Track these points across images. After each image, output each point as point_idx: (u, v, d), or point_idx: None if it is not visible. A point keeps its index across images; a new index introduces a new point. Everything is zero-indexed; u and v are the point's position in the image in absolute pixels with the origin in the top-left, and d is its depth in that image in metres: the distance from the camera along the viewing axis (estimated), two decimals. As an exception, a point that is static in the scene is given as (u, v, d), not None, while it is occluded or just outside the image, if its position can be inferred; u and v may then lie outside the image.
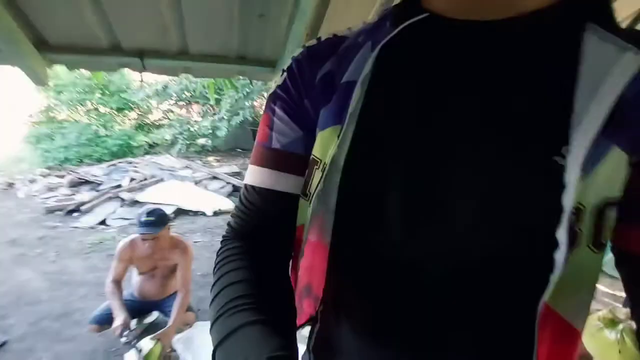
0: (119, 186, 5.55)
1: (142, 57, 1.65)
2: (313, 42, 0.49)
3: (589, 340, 1.02)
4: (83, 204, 4.98)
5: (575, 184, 0.33)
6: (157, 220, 2.06)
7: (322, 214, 0.43)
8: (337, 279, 0.48)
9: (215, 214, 5.21)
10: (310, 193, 0.45)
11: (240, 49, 1.74)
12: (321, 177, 0.43)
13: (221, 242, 0.52)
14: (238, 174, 7.24)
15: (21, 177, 6.39)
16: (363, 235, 0.44)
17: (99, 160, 7.59)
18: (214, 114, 8.38)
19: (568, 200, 0.33)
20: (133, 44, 1.59)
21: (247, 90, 7.84)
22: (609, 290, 1.63)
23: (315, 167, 0.45)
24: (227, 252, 0.49)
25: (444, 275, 0.41)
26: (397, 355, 0.45)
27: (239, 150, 9.32)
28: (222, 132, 8.00)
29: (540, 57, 0.38)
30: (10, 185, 6.13)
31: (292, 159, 0.48)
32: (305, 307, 0.51)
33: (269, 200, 0.49)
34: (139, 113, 9.38)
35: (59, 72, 8.18)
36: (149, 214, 2.06)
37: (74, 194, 5.36)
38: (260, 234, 0.50)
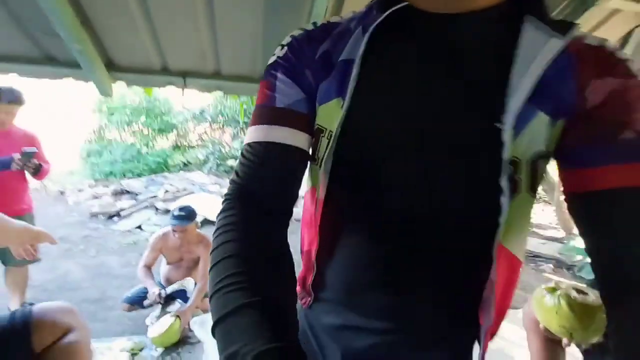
0: (154, 197, 6.06)
1: (185, 77, 2.04)
2: (310, 26, 0.54)
3: (536, 307, 1.17)
4: (122, 210, 5.50)
5: (509, 142, 0.41)
6: (187, 215, 2.39)
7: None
8: (331, 230, 0.54)
9: (238, 226, 5.54)
10: (318, 158, 0.51)
11: (263, 70, 2.09)
12: (328, 143, 0.48)
13: (223, 202, 0.51)
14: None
15: (72, 187, 7.13)
16: (357, 190, 0.51)
17: (139, 175, 8.30)
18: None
19: (505, 155, 0.41)
20: (178, 66, 1.98)
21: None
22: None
23: (322, 135, 0.50)
24: (228, 218, 0.48)
25: (420, 219, 0.49)
26: (377, 288, 0.53)
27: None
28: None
29: (489, 43, 0.45)
30: (62, 193, 6.84)
31: (297, 117, 0.51)
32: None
33: (276, 153, 0.50)
34: (178, 134, 10.19)
35: (114, 93, 9.20)
36: (181, 209, 2.41)
37: (115, 202, 5.92)
38: (263, 190, 0.50)
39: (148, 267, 2.48)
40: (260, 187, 0.50)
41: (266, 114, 0.51)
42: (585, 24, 1.89)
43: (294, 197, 0.54)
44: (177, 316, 2.15)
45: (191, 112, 9.81)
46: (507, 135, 0.41)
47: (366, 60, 0.47)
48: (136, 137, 9.56)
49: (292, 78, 0.51)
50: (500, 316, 0.52)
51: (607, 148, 0.40)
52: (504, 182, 0.42)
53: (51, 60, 1.84)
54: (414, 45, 0.47)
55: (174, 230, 2.39)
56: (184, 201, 6.06)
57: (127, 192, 6.53)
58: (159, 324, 2.10)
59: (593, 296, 1.08)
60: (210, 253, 0.46)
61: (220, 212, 0.50)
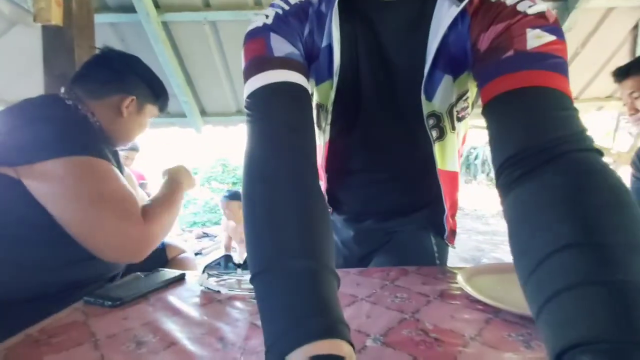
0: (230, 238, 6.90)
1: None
2: (283, 3, 0.56)
3: None
4: (204, 249, 6.38)
5: (424, 104, 0.58)
6: (229, 195, 3.45)
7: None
8: (334, 156, 0.75)
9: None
10: (322, 125, 0.69)
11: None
12: (327, 115, 0.64)
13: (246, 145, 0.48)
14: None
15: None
16: (349, 135, 0.70)
17: (216, 223, 9.46)
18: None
19: (424, 112, 0.59)
20: (248, 107, 2.67)
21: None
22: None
23: (321, 109, 0.66)
24: (266, 146, 0.46)
25: (384, 139, 0.70)
26: (364, 175, 0.78)
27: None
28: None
29: (413, 22, 0.55)
30: (157, 239, 8.09)
31: (298, 64, 0.52)
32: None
33: (287, 87, 0.49)
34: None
35: (200, 156, 10.81)
36: (227, 191, 3.54)
37: (198, 243, 6.86)
38: (282, 117, 0.48)
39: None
40: (279, 114, 0.48)
41: (265, 62, 0.49)
42: (582, 26, 2.14)
43: (312, 124, 0.54)
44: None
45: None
46: (422, 100, 0.58)
47: (341, 44, 0.55)
48: (214, 192, 10.98)
49: (286, 38, 0.52)
50: (452, 206, 0.78)
51: (496, 66, 0.45)
52: (429, 132, 0.63)
53: (167, 113, 2.65)
54: (363, 29, 0.58)
55: (222, 209, 3.38)
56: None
57: (207, 235, 7.53)
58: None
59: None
60: (249, 177, 0.44)
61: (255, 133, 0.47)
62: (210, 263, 0.75)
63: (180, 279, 0.76)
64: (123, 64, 0.89)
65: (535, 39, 0.44)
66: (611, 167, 0.36)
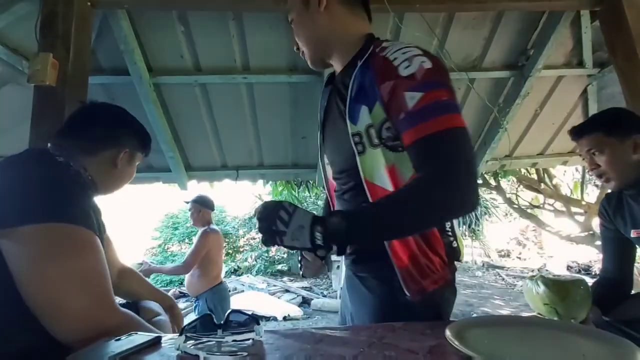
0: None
1: (238, 170, 2.75)
2: None
3: (526, 298, 1.33)
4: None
5: (349, 126, 0.78)
6: (194, 200, 2.99)
7: None
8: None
9: (285, 319, 5.61)
10: None
11: (293, 159, 2.76)
12: None
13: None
14: (309, 289, 7.71)
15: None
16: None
17: (194, 281, 8.95)
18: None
19: (350, 132, 0.78)
20: (232, 162, 2.72)
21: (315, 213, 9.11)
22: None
23: None
24: None
25: (335, 172, 0.93)
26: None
27: (311, 271, 10.04)
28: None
29: (346, 80, 0.82)
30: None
31: None
32: None
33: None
34: (229, 241, 11.09)
35: (176, 213, 10.60)
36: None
37: (173, 304, 6.42)
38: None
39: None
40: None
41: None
42: (538, 91, 2.40)
43: None
44: None
45: (239, 220, 10.91)
46: (348, 123, 0.79)
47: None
48: (193, 248, 10.62)
49: None
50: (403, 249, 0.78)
51: (400, 124, 0.71)
52: (353, 146, 0.79)
53: (150, 168, 2.66)
54: (325, 95, 0.96)
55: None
56: (234, 299, 6.36)
57: (184, 295, 7.05)
58: None
59: (568, 277, 1.24)
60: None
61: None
62: (189, 324, 0.70)
63: (155, 343, 0.71)
64: (112, 117, 0.92)
65: (410, 100, 0.68)
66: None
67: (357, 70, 0.79)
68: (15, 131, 1.97)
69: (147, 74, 2.01)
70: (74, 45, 1.34)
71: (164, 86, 2.14)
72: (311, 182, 3.48)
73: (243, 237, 11.22)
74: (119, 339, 0.73)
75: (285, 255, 9.93)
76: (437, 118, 0.66)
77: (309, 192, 3.70)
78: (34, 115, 1.24)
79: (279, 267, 9.99)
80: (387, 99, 0.72)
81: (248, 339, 0.70)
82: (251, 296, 6.46)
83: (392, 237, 0.75)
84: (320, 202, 9.62)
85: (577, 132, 1.21)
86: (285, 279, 9.33)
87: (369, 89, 0.76)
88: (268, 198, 9.76)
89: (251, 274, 9.12)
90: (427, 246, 0.78)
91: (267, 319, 5.68)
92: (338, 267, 7.18)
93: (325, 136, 0.95)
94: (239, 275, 9.24)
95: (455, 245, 0.84)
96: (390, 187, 0.76)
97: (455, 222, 0.85)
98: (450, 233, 0.83)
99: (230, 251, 10.99)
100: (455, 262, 0.86)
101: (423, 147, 0.67)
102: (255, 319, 0.72)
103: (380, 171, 0.77)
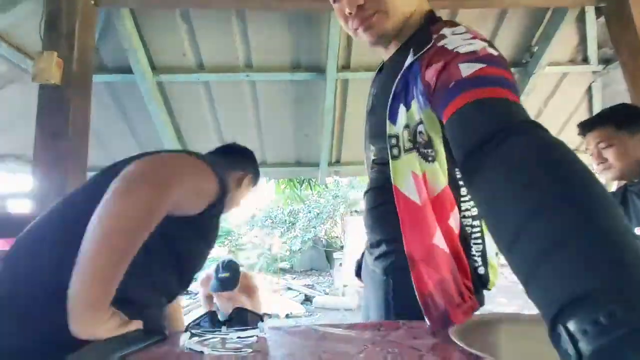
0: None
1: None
2: None
3: None
4: (183, 308, 5.99)
5: (387, 128, 0.71)
6: (227, 282, 2.34)
7: None
8: None
9: (287, 316, 5.64)
10: None
11: (296, 157, 2.76)
12: None
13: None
14: (311, 287, 7.73)
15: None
16: None
17: (195, 279, 9.01)
18: (290, 234, 9.62)
19: (387, 133, 0.72)
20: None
21: (317, 211, 9.14)
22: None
23: None
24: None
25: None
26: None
27: (314, 270, 10.05)
28: (296, 247, 8.99)
29: (395, 70, 0.72)
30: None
31: None
32: None
33: None
34: (231, 239, 11.13)
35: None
36: (223, 269, 2.34)
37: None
38: None
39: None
40: None
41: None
42: (542, 88, 2.39)
43: None
44: None
45: (242, 218, 10.93)
46: (387, 123, 0.72)
47: None
48: (196, 245, 10.65)
49: None
50: (409, 247, 0.71)
51: (445, 95, 0.57)
52: (387, 150, 0.72)
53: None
54: (376, 79, 0.91)
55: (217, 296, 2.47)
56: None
57: (187, 292, 7.09)
58: None
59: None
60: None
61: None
62: (193, 321, 0.71)
63: (162, 340, 0.71)
64: (244, 150, 1.22)
65: (467, 69, 0.55)
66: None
67: (409, 63, 0.68)
68: (20, 130, 1.98)
69: (151, 73, 2.01)
70: (77, 44, 1.34)
71: (167, 84, 2.15)
72: (314, 180, 3.48)
73: (245, 235, 11.24)
74: (125, 335, 0.74)
75: (287, 253, 9.96)
76: (497, 88, 0.51)
77: (311, 189, 3.71)
78: (39, 114, 1.25)
79: (282, 265, 10.02)
80: (434, 79, 0.61)
81: (252, 336, 0.70)
82: (254, 294, 6.50)
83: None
84: (323, 200, 9.65)
85: (587, 125, 1.21)
86: (287, 276, 9.35)
87: (410, 83, 0.69)
88: (271, 196, 9.80)
89: (253, 271, 9.15)
90: (460, 268, 0.70)
91: (270, 316, 5.70)
92: (340, 264, 7.21)
93: (370, 127, 0.88)
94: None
95: (483, 271, 0.75)
96: (415, 197, 0.71)
97: (490, 246, 0.75)
98: (476, 256, 0.75)
99: (233, 249, 11.03)
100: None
101: (488, 105, 0.50)
102: (259, 316, 0.73)
103: (409, 178, 0.71)
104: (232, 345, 0.66)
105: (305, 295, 6.88)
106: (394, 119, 0.72)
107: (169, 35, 1.91)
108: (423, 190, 0.71)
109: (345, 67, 2.08)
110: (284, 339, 0.70)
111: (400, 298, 0.78)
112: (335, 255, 8.06)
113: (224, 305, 2.72)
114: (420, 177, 0.72)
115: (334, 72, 2.01)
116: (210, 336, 0.70)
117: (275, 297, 6.45)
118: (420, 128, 0.71)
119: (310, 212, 9.21)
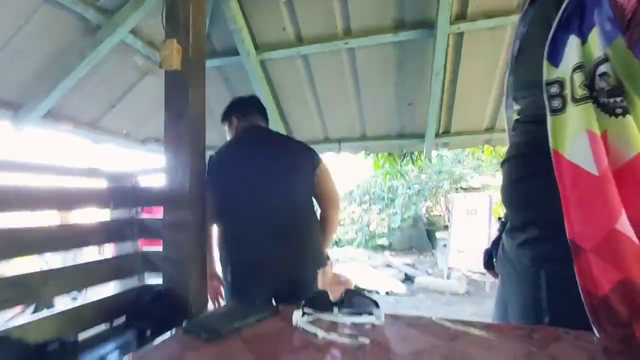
0: (313, 265, 6.96)
1: (340, 142, 2.71)
2: None
3: None
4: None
5: (545, 72, 0.54)
6: None
7: None
8: None
9: (388, 294, 5.59)
10: None
11: (398, 129, 2.56)
12: None
13: None
14: (412, 266, 7.49)
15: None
16: None
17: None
18: (389, 210, 9.41)
19: (544, 79, 0.55)
20: (335, 135, 2.68)
21: (418, 187, 8.64)
22: None
23: None
24: None
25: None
26: None
27: (414, 249, 9.71)
28: (395, 224, 8.76)
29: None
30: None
31: None
32: None
33: None
34: (331, 214, 11.59)
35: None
36: None
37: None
38: None
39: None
40: None
41: None
42: None
43: None
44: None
45: (342, 193, 11.18)
46: (544, 65, 0.57)
47: None
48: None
49: None
50: (574, 231, 0.52)
51: None
52: (545, 102, 0.56)
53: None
54: None
55: None
56: (337, 270, 6.64)
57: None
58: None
59: None
60: None
61: None
62: (306, 300, 0.67)
63: (274, 314, 0.70)
64: None
65: None
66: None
67: None
68: (158, 115, 2.32)
69: (254, 52, 2.08)
70: (192, 30, 1.43)
71: (268, 62, 2.20)
72: (416, 154, 3.21)
73: (344, 211, 11.51)
74: (242, 306, 0.75)
75: (386, 231, 9.79)
76: None
77: (412, 164, 3.44)
78: (166, 98, 1.38)
79: (380, 241, 9.94)
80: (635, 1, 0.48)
81: (367, 323, 0.63)
82: (353, 268, 6.63)
83: None
84: (424, 176, 9.07)
85: None
86: (386, 253, 9.27)
87: (588, 5, 0.52)
88: (370, 172, 9.70)
89: (352, 246, 9.34)
90: None
91: (369, 292, 5.76)
92: (444, 245, 6.73)
93: (517, 76, 0.71)
94: (341, 247, 9.58)
95: None
96: (589, 165, 0.51)
97: None
98: None
99: (332, 223, 11.49)
100: None
101: None
102: (374, 302, 0.65)
103: (580, 139, 0.52)
104: (348, 332, 0.60)
105: (406, 274, 6.70)
106: (556, 59, 0.55)
107: (269, 11, 1.93)
108: (602, 156, 0.51)
109: (460, 17, 1.76)
110: (406, 331, 0.60)
111: (556, 298, 0.60)
112: (438, 235, 7.57)
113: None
114: (599, 137, 0.52)
115: (446, 25, 1.72)
116: (322, 317, 0.65)
117: (374, 273, 6.47)
118: (604, 68, 0.52)
119: (410, 188, 8.78)
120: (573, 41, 0.53)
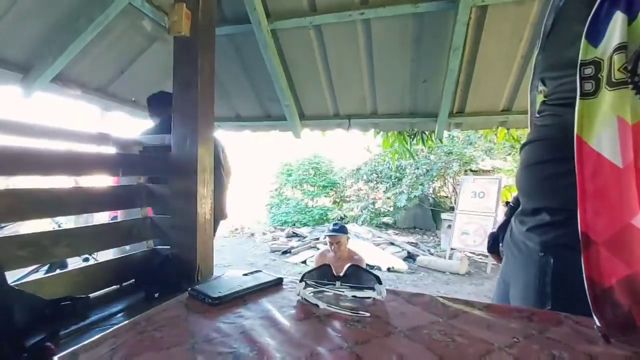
0: (317, 239, 7.03)
1: (350, 119, 2.66)
2: None
3: None
4: (293, 248, 6.63)
5: (581, 51, 0.49)
6: (340, 229, 2.95)
7: None
8: None
9: (389, 270, 5.69)
10: None
11: (411, 107, 2.50)
12: None
13: None
14: (415, 244, 7.57)
15: (258, 230, 9.07)
16: None
17: (306, 224, 9.80)
18: (396, 189, 9.40)
19: (579, 59, 0.51)
20: (345, 111, 2.63)
21: (426, 167, 8.56)
22: None
23: None
24: None
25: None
26: None
27: (417, 228, 9.76)
28: (401, 203, 8.78)
29: None
30: (252, 234, 8.77)
31: None
32: None
33: None
34: (337, 191, 11.60)
35: (290, 162, 11.54)
36: (335, 224, 3.00)
37: (288, 242, 7.19)
38: None
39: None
40: None
41: None
42: None
43: None
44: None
45: (348, 170, 11.13)
46: (582, 44, 0.51)
47: None
48: (305, 193, 11.48)
49: None
50: (587, 223, 0.51)
51: None
52: (577, 84, 0.51)
53: (268, 117, 2.81)
54: None
55: (329, 242, 2.91)
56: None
57: (297, 235, 7.83)
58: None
59: None
60: None
61: None
62: (308, 271, 0.68)
63: (277, 284, 0.72)
64: None
65: None
66: None
67: None
68: (167, 83, 2.29)
69: (266, 20, 2.01)
70: (202, -6, 1.37)
71: (280, 32, 2.13)
72: (427, 134, 3.15)
73: (350, 188, 11.53)
74: (246, 274, 0.77)
75: (391, 209, 9.85)
76: None
77: (423, 144, 3.38)
78: (174, 65, 1.35)
79: (384, 219, 10.01)
80: None
81: (368, 297, 0.64)
82: (356, 244, 6.73)
83: None
84: (433, 157, 8.98)
85: None
86: (390, 231, 9.36)
87: None
88: (378, 150, 9.61)
89: (357, 223, 9.43)
90: None
91: (372, 267, 5.86)
92: (449, 226, 6.75)
93: (548, 54, 0.66)
94: (346, 224, 9.70)
95: None
96: (615, 156, 0.48)
97: None
98: None
99: (338, 200, 11.52)
100: None
101: None
102: (376, 277, 0.66)
103: (609, 127, 0.49)
104: (349, 304, 0.61)
105: (408, 253, 6.78)
106: (595, 37, 0.50)
107: (282, -24, 1.84)
108: (629, 148, 0.48)
109: (485, -13, 1.66)
110: (405, 307, 0.61)
111: (561, 284, 0.60)
112: (444, 215, 7.57)
113: (336, 264, 2.99)
114: (630, 127, 0.48)
115: (470, -3, 1.63)
116: (325, 289, 0.66)
117: (377, 250, 6.56)
118: None
119: (418, 168, 8.71)
120: (618, 17, 0.49)
